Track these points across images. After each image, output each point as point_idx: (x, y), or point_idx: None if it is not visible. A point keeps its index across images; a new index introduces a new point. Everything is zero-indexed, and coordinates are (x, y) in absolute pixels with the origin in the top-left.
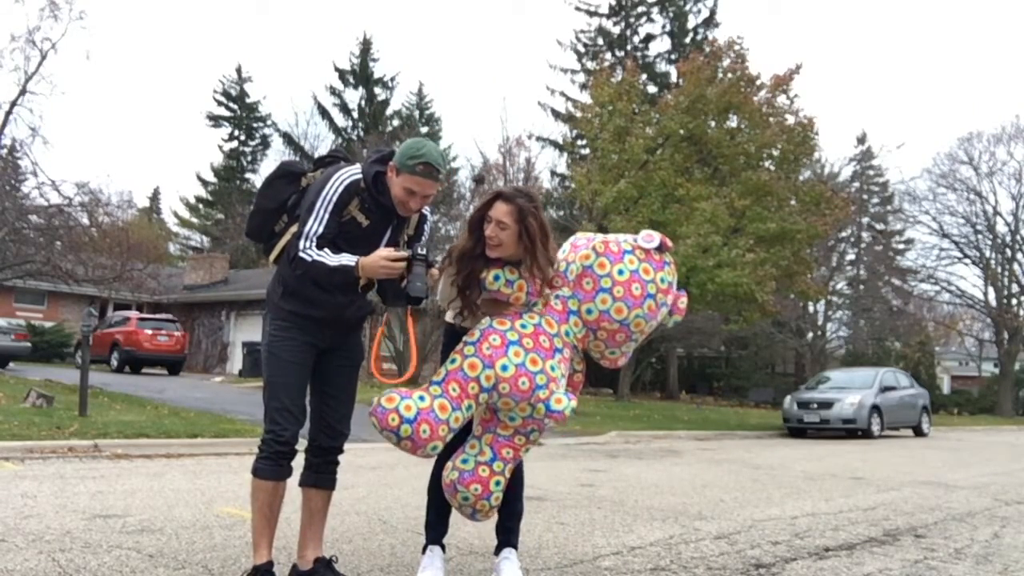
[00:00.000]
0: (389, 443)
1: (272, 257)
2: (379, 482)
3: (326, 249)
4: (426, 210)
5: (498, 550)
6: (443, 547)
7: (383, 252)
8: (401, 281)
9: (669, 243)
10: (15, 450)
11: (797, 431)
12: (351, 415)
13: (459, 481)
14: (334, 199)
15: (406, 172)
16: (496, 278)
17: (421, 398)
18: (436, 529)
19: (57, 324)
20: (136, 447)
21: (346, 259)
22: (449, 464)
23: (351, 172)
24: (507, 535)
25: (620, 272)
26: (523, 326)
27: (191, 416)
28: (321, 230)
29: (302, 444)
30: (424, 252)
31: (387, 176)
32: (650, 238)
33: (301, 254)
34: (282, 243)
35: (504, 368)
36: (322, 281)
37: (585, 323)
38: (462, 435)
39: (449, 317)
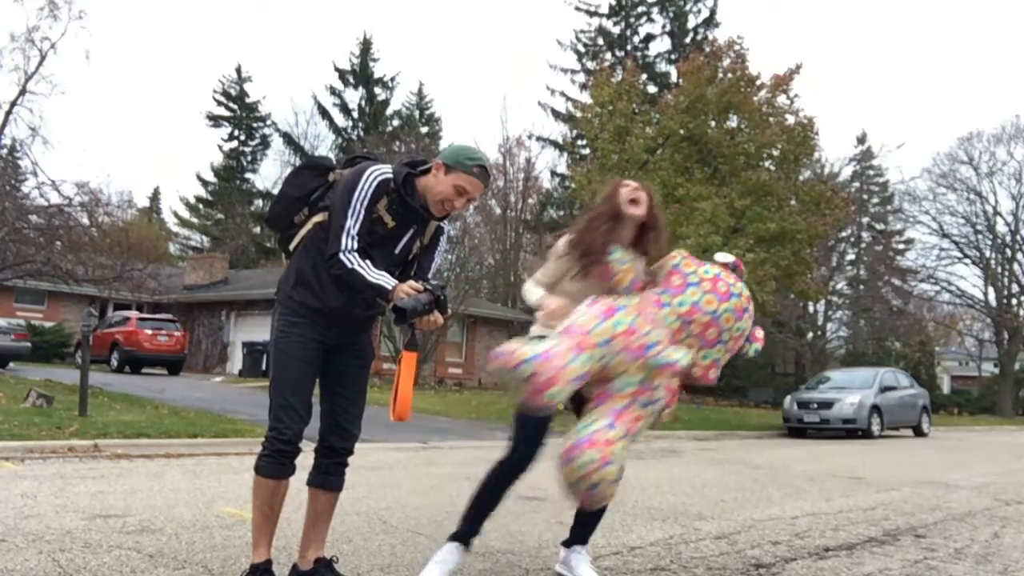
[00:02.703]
0: (507, 390)
1: (291, 247)
2: (379, 482)
3: (367, 261)
4: (445, 224)
5: (569, 543)
6: (467, 545)
7: (413, 284)
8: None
9: (741, 266)
10: (15, 450)
11: (797, 431)
12: (362, 415)
13: (576, 446)
14: (369, 194)
15: (461, 171)
16: (613, 251)
17: (536, 346)
18: (469, 525)
19: (57, 324)
20: (136, 447)
21: (385, 280)
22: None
23: (383, 170)
24: (582, 530)
25: (706, 271)
26: (623, 307)
27: (191, 416)
28: (358, 227)
29: (309, 444)
30: (442, 291)
31: (427, 176)
32: (725, 256)
33: (342, 256)
34: (301, 234)
35: (618, 324)
36: (352, 286)
37: (678, 315)
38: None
39: (535, 330)
